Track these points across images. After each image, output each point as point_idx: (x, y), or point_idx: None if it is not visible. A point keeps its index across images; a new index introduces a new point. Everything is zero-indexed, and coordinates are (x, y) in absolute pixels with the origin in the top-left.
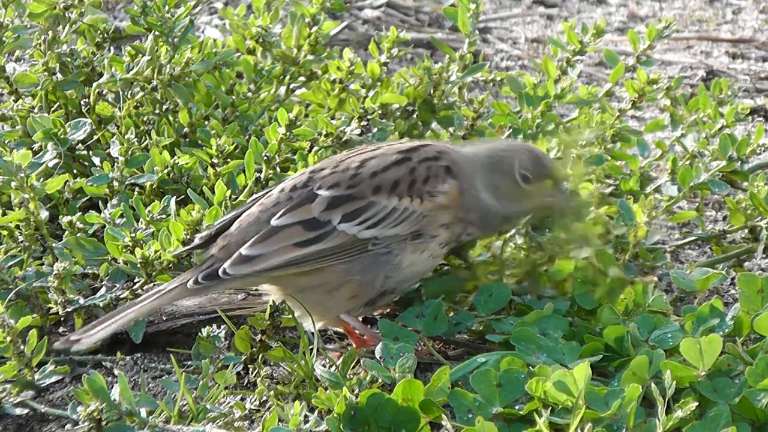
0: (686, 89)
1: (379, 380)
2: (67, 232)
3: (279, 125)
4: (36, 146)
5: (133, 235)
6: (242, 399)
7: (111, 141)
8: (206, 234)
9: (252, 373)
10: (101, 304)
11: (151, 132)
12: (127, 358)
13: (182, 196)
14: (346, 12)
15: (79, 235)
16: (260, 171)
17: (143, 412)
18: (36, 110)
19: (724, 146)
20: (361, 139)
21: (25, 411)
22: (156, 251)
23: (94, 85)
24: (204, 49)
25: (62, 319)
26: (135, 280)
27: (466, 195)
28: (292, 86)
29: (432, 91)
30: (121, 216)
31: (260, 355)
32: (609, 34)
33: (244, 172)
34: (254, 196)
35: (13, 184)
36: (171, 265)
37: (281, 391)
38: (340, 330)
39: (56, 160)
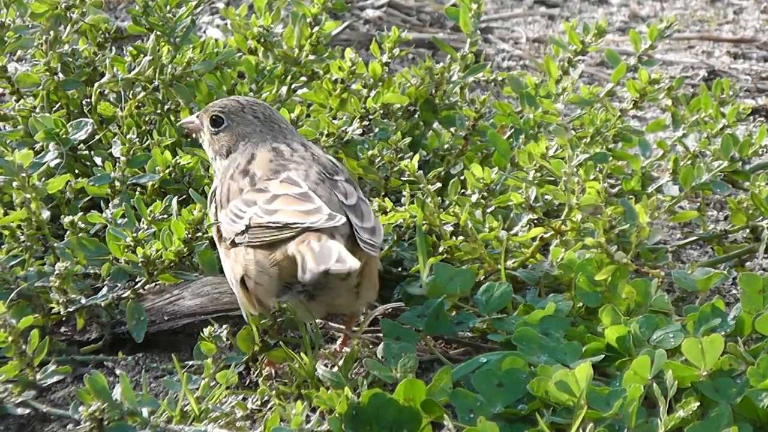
0: (688, 89)
1: (381, 380)
2: (68, 232)
3: None
4: (38, 146)
5: (135, 235)
6: (244, 399)
7: (113, 141)
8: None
9: (254, 372)
10: (103, 304)
11: (153, 132)
12: (129, 357)
13: (184, 196)
14: (347, 12)
15: (80, 235)
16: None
17: (145, 412)
18: (38, 110)
19: (726, 147)
20: (363, 139)
21: (27, 411)
22: (158, 250)
23: (96, 85)
24: (206, 49)
25: (64, 318)
26: (137, 280)
27: None
28: (293, 86)
29: (434, 91)
30: (123, 216)
31: (262, 355)
32: (610, 34)
33: None
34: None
35: (14, 183)
36: (173, 264)
37: (283, 390)
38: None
39: (58, 160)
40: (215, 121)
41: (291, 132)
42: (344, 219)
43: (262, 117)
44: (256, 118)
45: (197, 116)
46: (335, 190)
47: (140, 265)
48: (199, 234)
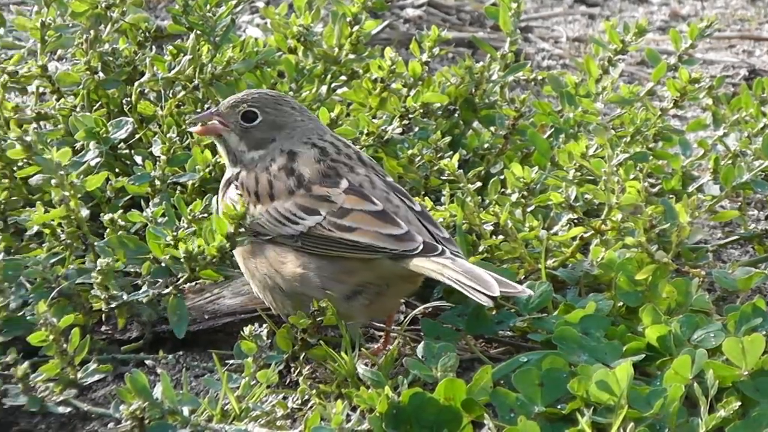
0: (728, 88)
1: (421, 379)
2: (108, 230)
3: None
4: (78, 145)
5: (175, 234)
6: (284, 398)
7: (153, 140)
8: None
9: (294, 371)
10: (144, 300)
11: None
12: (170, 356)
13: None
14: (387, 11)
15: (120, 233)
16: None
17: (185, 411)
18: (78, 109)
19: (767, 146)
20: (403, 138)
21: (68, 409)
22: (199, 246)
23: (136, 84)
24: (245, 48)
25: (104, 317)
26: (178, 276)
27: None
28: (333, 85)
29: (473, 90)
30: (163, 215)
31: (302, 354)
32: (651, 33)
33: None
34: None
35: (53, 181)
36: (215, 259)
37: (323, 390)
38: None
39: (98, 159)
40: (248, 117)
41: (322, 125)
42: (441, 249)
43: (299, 107)
44: (293, 109)
45: (215, 115)
46: (400, 196)
47: (182, 260)
48: (242, 229)
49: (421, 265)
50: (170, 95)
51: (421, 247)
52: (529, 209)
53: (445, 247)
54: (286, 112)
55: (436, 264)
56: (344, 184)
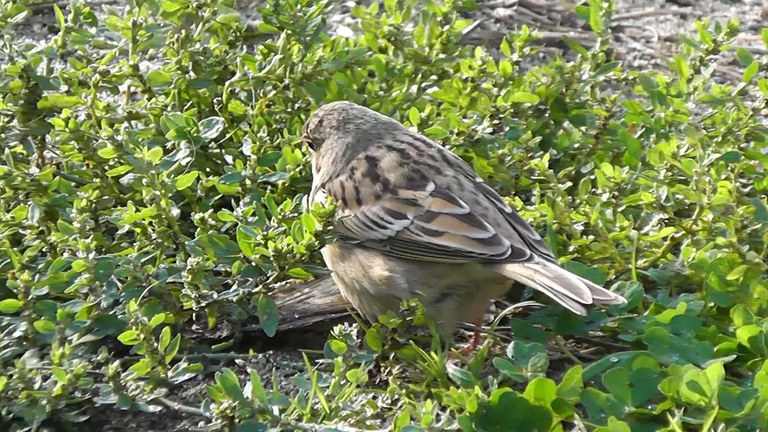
0: None
1: (511, 379)
2: (199, 229)
3: (411, 124)
4: (169, 144)
5: (265, 233)
6: (374, 397)
7: (243, 139)
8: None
9: (384, 371)
10: (234, 299)
11: (283, 130)
12: (260, 356)
13: None
14: (478, 11)
15: (211, 232)
16: None
17: (275, 410)
18: (169, 108)
19: None
20: (493, 138)
21: (159, 408)
22: (288, 244)
23: (227, 83)
24: (336, 48)
25: (195, 316)
26: (267, 275)
27: None
28: (423, 85)
29: (564, 90)
30: (253, 214)
31: (392, 354)
32: (742, 33)
33: None
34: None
35: (144, 180)
36: (304, 258)
37: (413, 389)
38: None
39: (189, 159)
40: (310, 144)
41: (389, 123)
42: (530, 254)
43: (336, 123)
44: (332, 128)
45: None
46: (490, 197)
47: (271, 259)
48: (331, 227)
49: (512, 270)
50: (261, 95)
51: (509, 251)
52: (619, 209)
53: (535, 251)
54: (328, 133)
55: (528, 269)
56: (431, 186)
